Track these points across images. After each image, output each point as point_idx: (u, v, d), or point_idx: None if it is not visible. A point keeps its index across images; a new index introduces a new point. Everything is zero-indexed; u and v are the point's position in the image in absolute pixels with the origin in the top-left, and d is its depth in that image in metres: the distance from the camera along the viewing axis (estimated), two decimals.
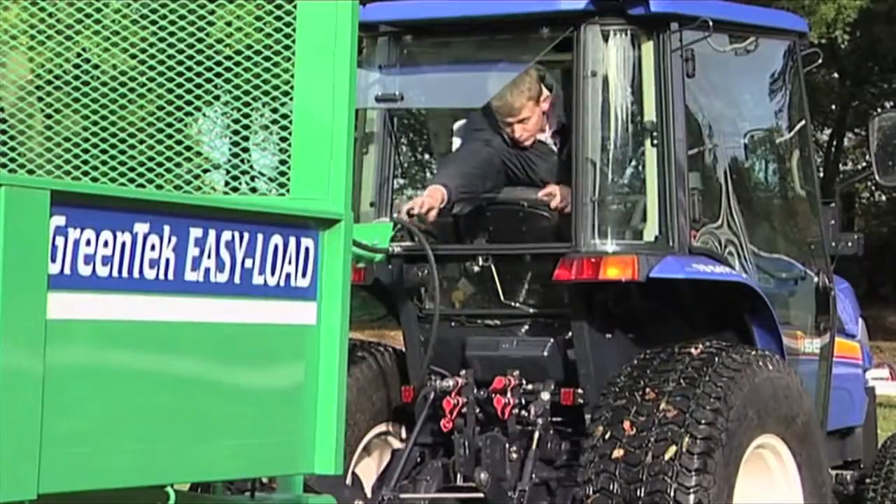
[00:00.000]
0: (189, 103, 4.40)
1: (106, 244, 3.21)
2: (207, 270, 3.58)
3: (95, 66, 4.66)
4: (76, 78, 4.60)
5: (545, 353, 5.89)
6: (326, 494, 4.85)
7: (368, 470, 6.13)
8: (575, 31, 5.66)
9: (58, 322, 3.08)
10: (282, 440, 4.02)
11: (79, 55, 4.71)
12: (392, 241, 5.71)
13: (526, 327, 6.04)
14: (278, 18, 4.17)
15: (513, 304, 6.05)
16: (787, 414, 5.47)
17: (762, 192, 6.92)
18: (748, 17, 6.00)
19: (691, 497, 5.06)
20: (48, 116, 4.70)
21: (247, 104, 4.53)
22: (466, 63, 6.33)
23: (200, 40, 4.37)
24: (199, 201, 3.91)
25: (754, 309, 5.76)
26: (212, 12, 4.42)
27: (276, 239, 3.80)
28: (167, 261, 3.43)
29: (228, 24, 4.59)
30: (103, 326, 3.29)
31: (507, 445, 5.76)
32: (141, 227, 3.34)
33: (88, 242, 3.12)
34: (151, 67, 4.53)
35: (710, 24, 5.45)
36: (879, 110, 30.35)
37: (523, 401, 5.74)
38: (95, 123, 4.44)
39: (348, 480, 5.80)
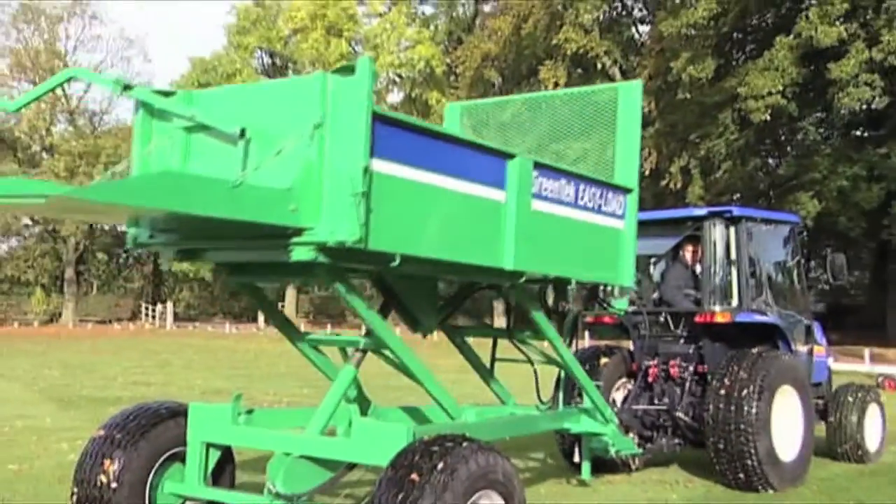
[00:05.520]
0: None
1: None
2: None
3: None
4: None
5: (689, 351, 9.41)
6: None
7: (617, 398, 9.75)
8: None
9: None
10: (607, 258, 6.04)
11: None
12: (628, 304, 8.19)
13: (682, 340, 9.57)
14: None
15: (678, 331, 9.62)
16: None
17: None
18: None
19: None
20: None
21: None
22: None
23: None
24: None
25: None
26: None
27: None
28: None
29: None
30: None
31: (673, 388, 9.16)
32: None
33: None
34: None
35: None
36: None
37: (684, 370, 9.19)
38: None
39: (608, 401, 9.07)
